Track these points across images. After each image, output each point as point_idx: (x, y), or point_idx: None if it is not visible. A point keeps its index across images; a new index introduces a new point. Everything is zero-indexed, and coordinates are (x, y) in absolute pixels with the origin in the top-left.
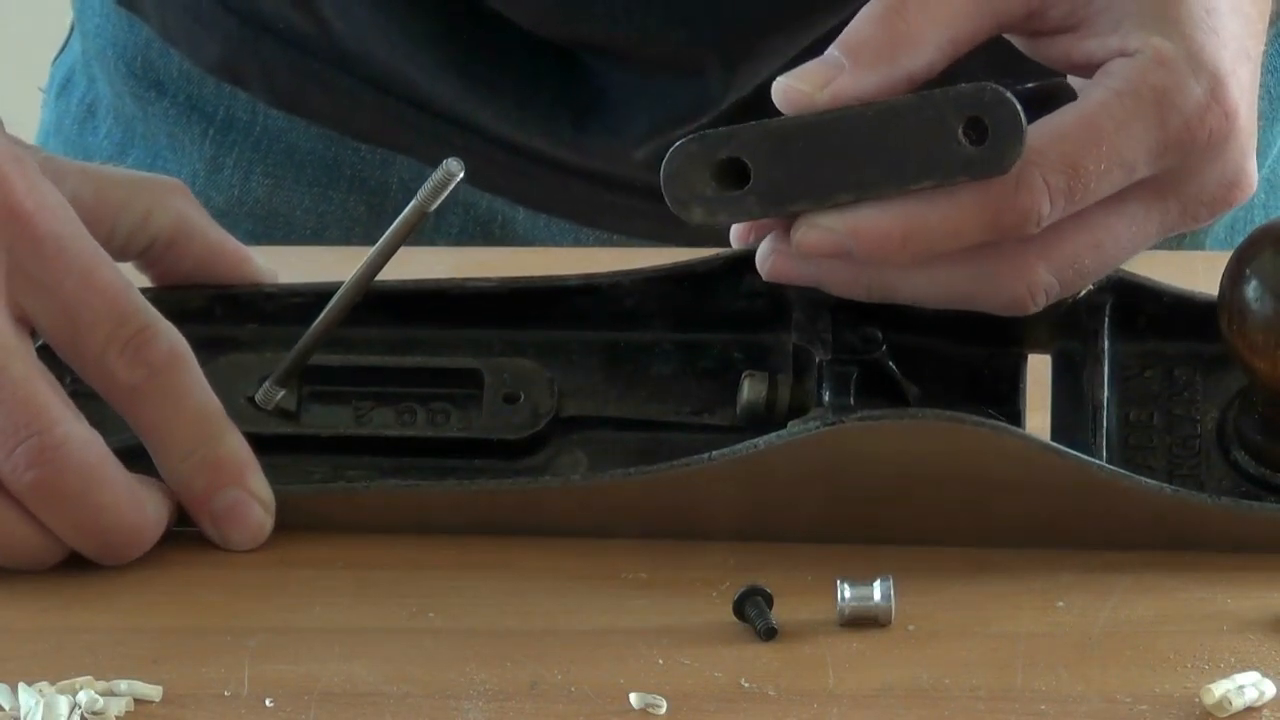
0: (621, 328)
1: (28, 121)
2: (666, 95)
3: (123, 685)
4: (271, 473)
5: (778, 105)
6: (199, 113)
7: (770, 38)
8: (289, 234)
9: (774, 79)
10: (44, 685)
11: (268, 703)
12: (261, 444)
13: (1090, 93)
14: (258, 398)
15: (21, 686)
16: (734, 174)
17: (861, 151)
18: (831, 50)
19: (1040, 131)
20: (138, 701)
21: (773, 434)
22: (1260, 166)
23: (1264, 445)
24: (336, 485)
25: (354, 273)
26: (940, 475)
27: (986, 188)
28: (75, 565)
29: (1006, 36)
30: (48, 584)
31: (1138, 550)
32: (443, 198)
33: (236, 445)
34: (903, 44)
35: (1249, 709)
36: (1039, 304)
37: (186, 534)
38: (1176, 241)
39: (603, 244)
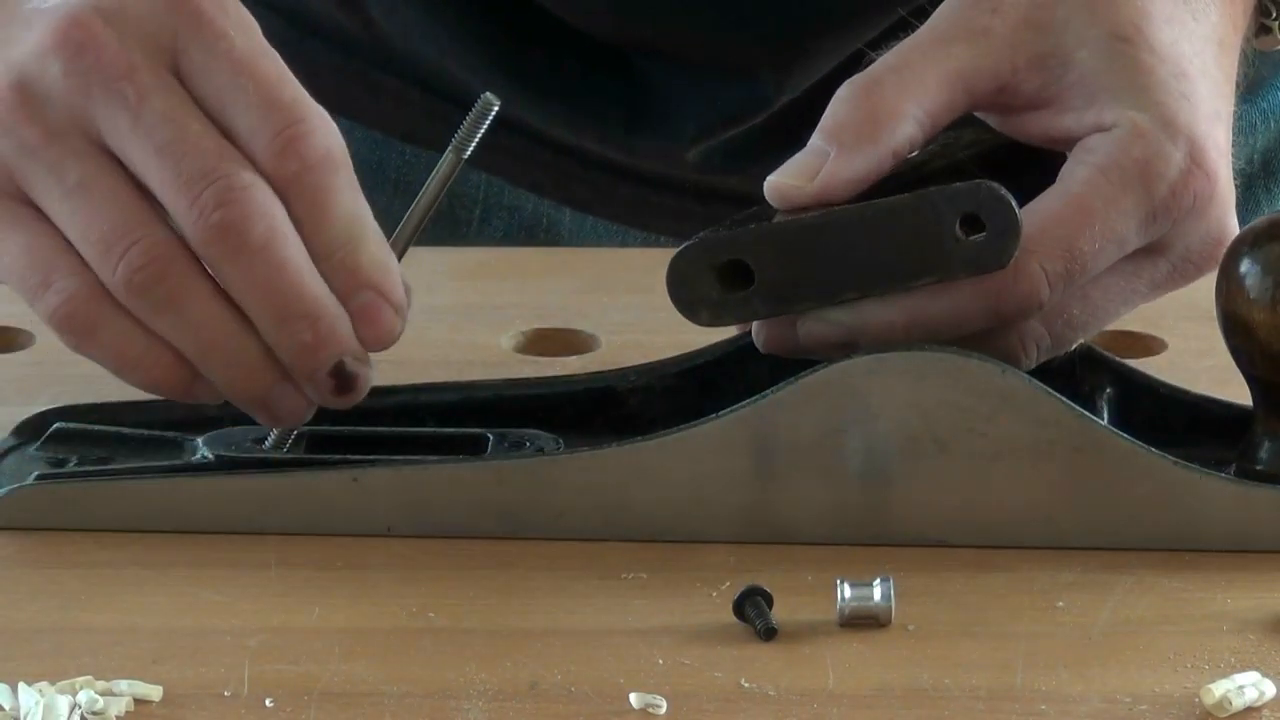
0: (627, 430)
1: None
2: (718, 96)
3: (123, 685)
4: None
5: (770, 202)
6: None
7: (823, 39)
8: None
9: (826, 80)
10: (44, 685)
11: (268, 703)
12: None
13: (1074, 172)
14: (267, 444)
15: (21, 686)
16: (737, 275)
17: (862, 251)
18: (814, 140)
19: (1033, 218)
20: (138, 701)
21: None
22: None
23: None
24: (343, 470)
25: (399, 230)
26: (944, 434)
27: (985, 280)
28: (75, 565)
29: (980, 116)
30: (48, 584)
31: (1137, 550)
32: (480, 134)
33: (378, 252)
34: (882, 121)
35: (1249, 709)
36: (1031, 358)
37: (187, 534)
38: None
39: (649, 244)
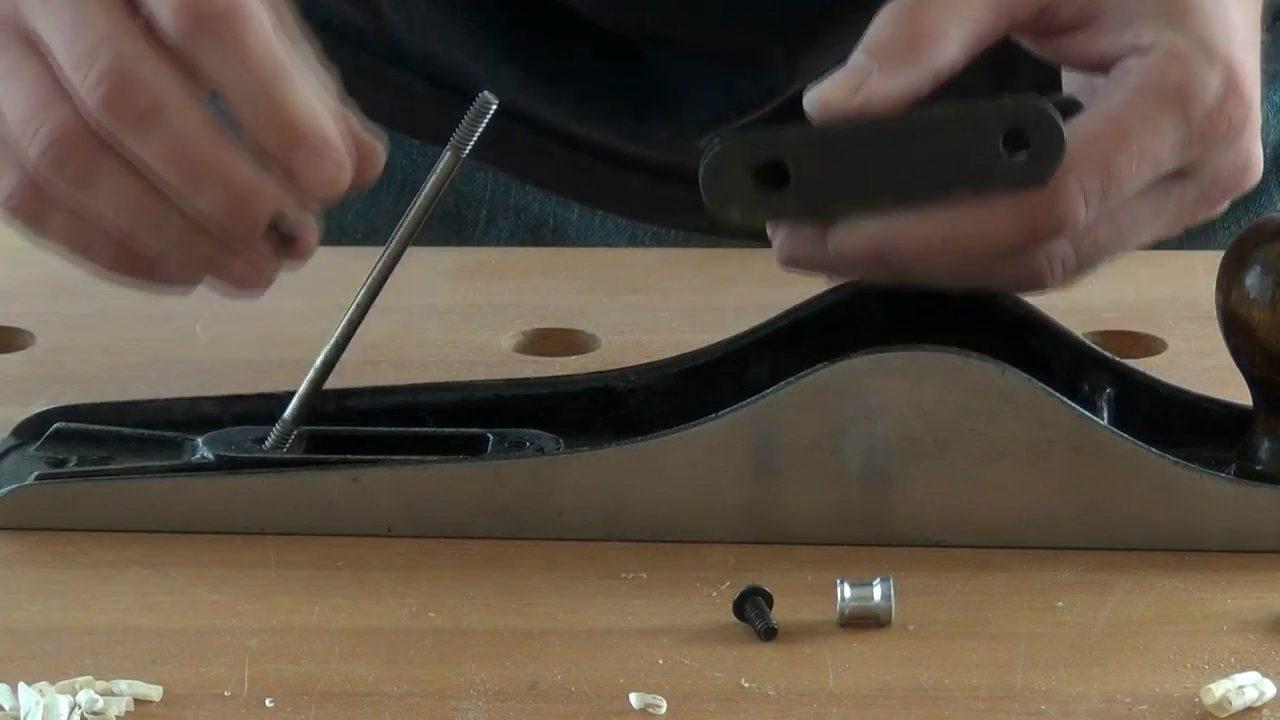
0: (627, 430)
1: None
2: (729, 84)
3: (123, 685)
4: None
5: (810, 116)
6: None
7: (836, 27)
8: (340, 238)
9: (837, 68)
10: (44, 685)
11: (268, 703)
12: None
13: (1113, 94)
14: (267, 444)
15: (21, 686)
16: (773, 176)
17: (903, 159)
18: (856, 55)
19: (1071, 137)
20: (138, 701)
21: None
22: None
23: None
24: (343, 470)
25: (396, 231)
26: (944, 434)
27: (1024, 196)
28: (75, 565)
29: (1016, 38)
30: (48, 584)
31: (1137, 550)
32: (479, 133)
33: (301, 99)
34: (925, 41)
35: (1249, 709)
36: (1055, 278)
37: (187, 534)
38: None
39: (659, 240)
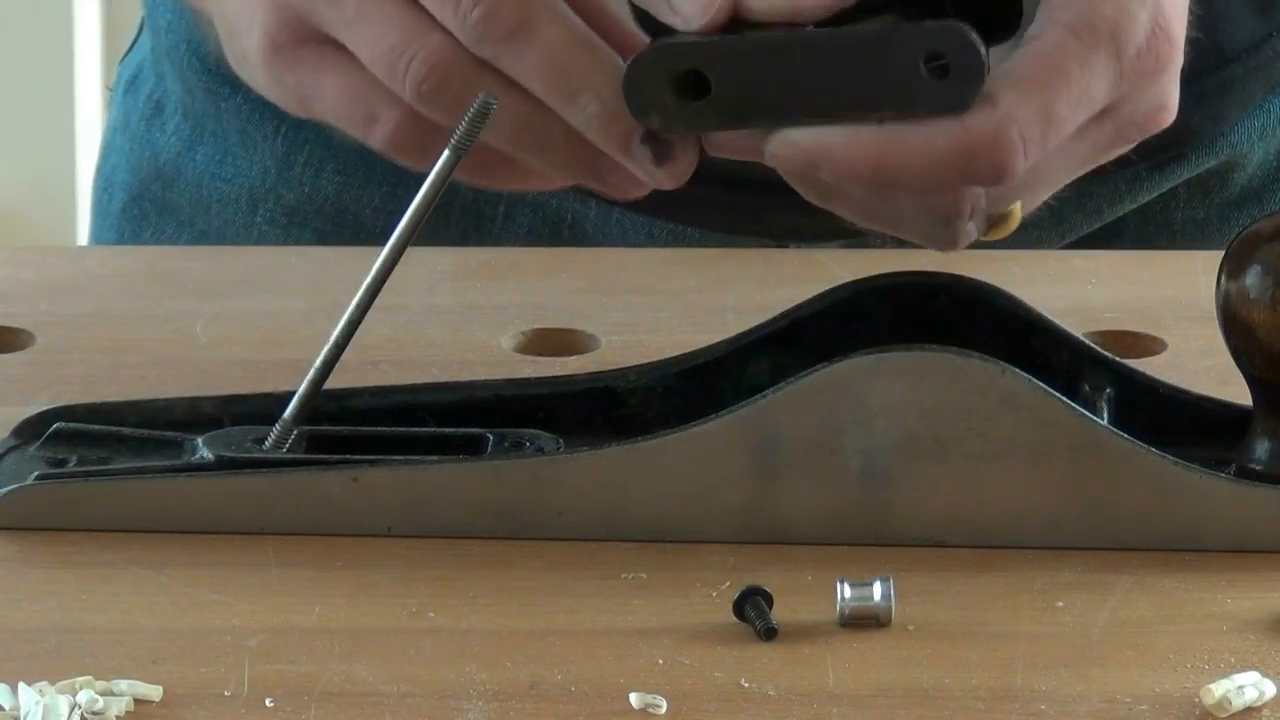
0: (627, 430)
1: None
2: None
3: (123, 685)
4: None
5: (741, 10)
6: (271, 109)
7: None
8: (358, 233)
9: None
10: (44, 685)
11: (268, 703)
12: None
13: (1044, 32)
14: (267, 444)
15: (21, 686)
16: (694, 86)
17: (823, 75)
18: None
19: (1008, 83)
20: (138, 701)
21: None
22: None
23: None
24: (343, 470)
25: (396, 230)
26: (944, 434)
27: (963, 139)
28: (75, 565)
29: None
30: (48, 584)
31: (1137, 550)
32: (479, 133)
33: (609, 96)
34: None
35: (1249, 709)
36: (963, 219)
37: (187, 534)
38: (1176, 242)
39: (676, 237)
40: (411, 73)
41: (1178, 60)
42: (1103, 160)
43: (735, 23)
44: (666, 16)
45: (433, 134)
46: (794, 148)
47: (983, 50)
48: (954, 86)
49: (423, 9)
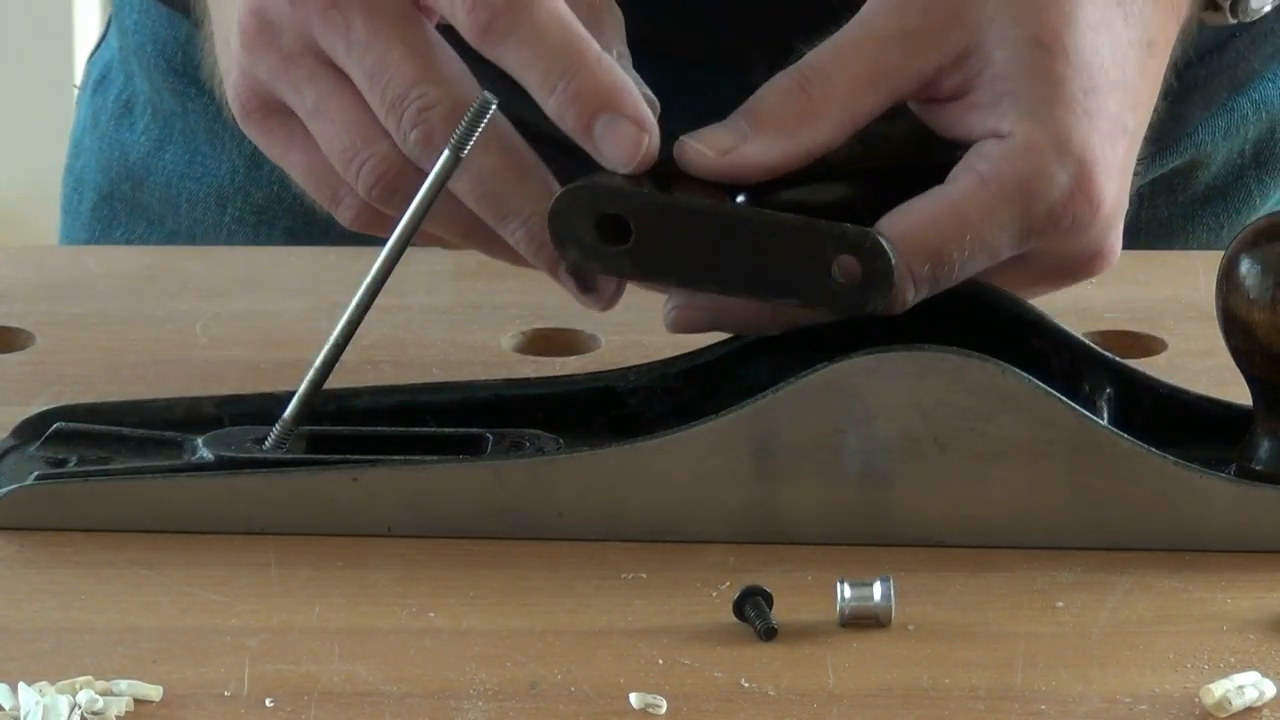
0: (627, 430)
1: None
2: (707, 89)
3: (123, 685)
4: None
5: (678, 162)
6: None
7: (818, 35)
8: (328, 233)
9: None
10: (44, 685)
11: (268, 703)
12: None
13: (958, 177)
14: (267, 444)
15: (21, 686)
16: (616, 230)
17: (739, 253)
18: (736, 117)
19: (907, 218)
20: (138, 701)
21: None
22: None
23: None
24: (343, 470)
25: (396, 230)
26: (944, 434)
27: None
28: (75, 565)
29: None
30: (48, 584)
31: (1137, 550)
32: (478, 133)
33: (597, 74)
34: (805, 119)
35: (1249, 709)
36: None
37: (187, 534)
38: (1176, 242)
39: None
40: (362, 177)
41: (1104, 217)
42: (1030, 295)
43: (671, 176)
44: (596, 154)
45: (393, 218)
46: (692, 313)
47: (894, 261)
48: (859, 291)
49: (369, 106)
